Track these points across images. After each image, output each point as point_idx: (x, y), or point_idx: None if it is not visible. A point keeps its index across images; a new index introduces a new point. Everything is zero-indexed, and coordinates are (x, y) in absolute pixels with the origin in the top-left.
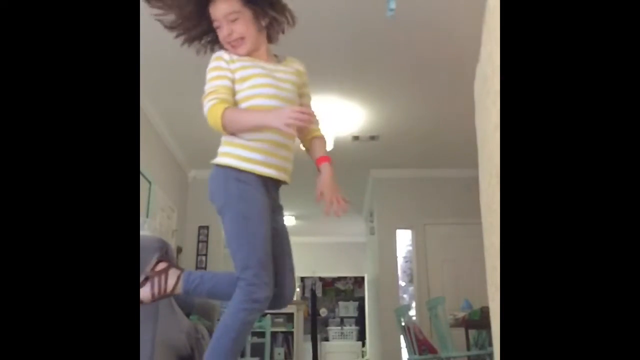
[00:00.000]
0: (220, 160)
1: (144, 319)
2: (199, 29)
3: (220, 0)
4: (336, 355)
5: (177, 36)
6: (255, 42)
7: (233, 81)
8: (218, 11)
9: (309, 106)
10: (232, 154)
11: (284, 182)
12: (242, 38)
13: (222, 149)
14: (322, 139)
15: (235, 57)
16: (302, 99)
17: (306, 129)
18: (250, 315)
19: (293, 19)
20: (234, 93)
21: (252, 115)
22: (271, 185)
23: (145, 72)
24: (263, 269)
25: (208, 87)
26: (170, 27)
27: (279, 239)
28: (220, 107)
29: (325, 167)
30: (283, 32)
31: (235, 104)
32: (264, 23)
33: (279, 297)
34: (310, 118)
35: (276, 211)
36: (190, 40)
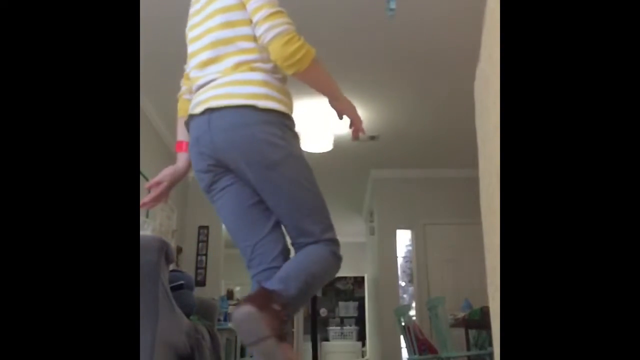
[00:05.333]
0: (271, 104)
1: (144, 319)
2: None
3: None
4: (336, 355)
5: None
6: None
7: None
8: None
9: None
10: (284, 101)
11: None
12: None
13: (267, 91)
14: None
15: None
16: None
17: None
18: (333, 269)
19: None
20: None
21: (333, 80)
22: None
23: (145, 72)
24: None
25: (275, 5)
26: None
27: None
28: (313, 50)
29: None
30: None
31: None
32: None
33: None
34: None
35: None
36: None
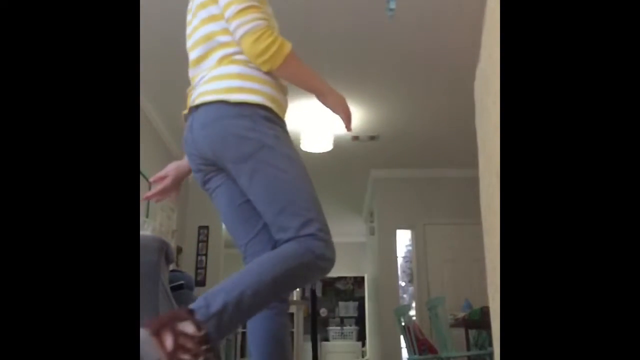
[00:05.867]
0: (242, 97)
1: (144, 318)
2: None
3: None
4: (336, 355)
5: None
6: None
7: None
8: None
9: None
10: (261, 91)
11: None
12: None
13: (241, 83)
14: None
15: None
16: None
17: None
18: (310, 270)
19: None
20: None
21: (315, 74)
22: None
23: (145, 72)
24: (327, 225)
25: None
26: None
27: None
28: (288, 45)
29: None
30: None
31: None
32: None
33: None
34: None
35: None
36: None
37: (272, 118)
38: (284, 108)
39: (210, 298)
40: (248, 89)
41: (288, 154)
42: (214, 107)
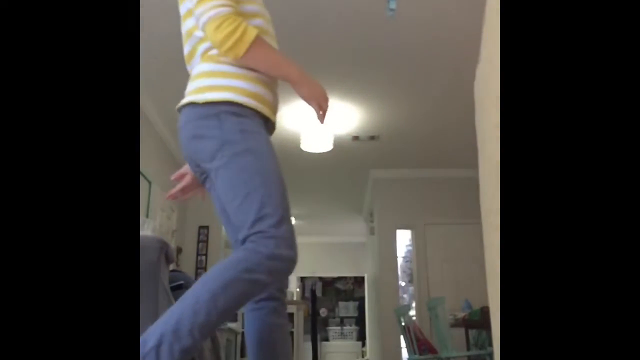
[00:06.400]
0: (209, 95)
1: (144, 319)
2: None
3: None
4: (336, 355)
5: None
6: None
7: None
8: None
9: None
10: (229, 87)
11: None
12: None
13: (210, 81)
14: None
15: None
16: None
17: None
18: (262, 276)
19: None
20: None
21: (285, 61)
22: (268, 130)
23: (146, 72)
24: (286, 221)
25: None
26: None
27: None
28: (252, 31)
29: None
30: None
31: None
32: None
33: None
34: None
35: None
36: None
37: (241, 112)
38: (263, 98)
39: (148, 334)
40: (216, 87)
41: (252, 147)
42: (186, 110)
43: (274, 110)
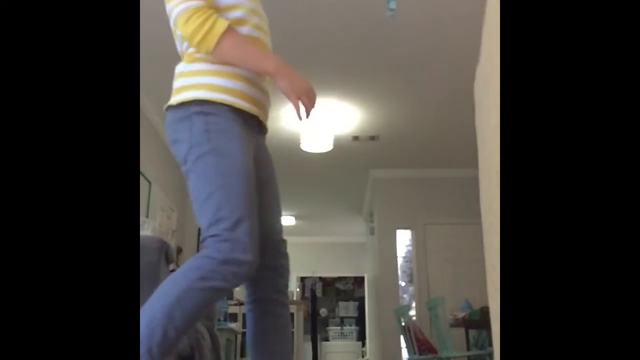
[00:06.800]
0: (181, 97)
1: None
2: None
3: None
4: (336, 355)
5: None
6: None
7: None
8: None
9: None
10: (197, 85)
11: (264, 127)
12: None
13: (183, 81)
14: None
15: None
16: None
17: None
18: (218, 282)
19: None
20: None
21: (260, 53)
22: (253, 127)
23: (145, 72)
24: (244, 222)
25: None
26: None
27: (269, 196)
28: (222, 23)
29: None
30: None
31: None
32: None
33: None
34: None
35: (262, 161)
36: None
37: (210, 110)
38: (240, 92)
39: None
40: (187, 87)
41: (216, 147)
42: (167, 113)
43: (260, 104)
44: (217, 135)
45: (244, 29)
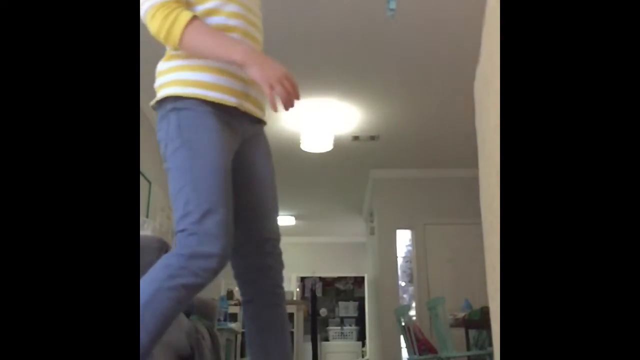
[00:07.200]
0: (158, 95)
1: None
2: None
3: None
4: (336, 355)
5: None
6: None
7: None
8: None
9: None
10: (170, 82)
11: (258, 118)
12: None
13: (160, 80)
14: None
15: None
16: None
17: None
18: (187, 279)
19: None
20: None
21: (228, 43)
22: (238, 118)
23: (146, 72)
24: (212, 215)
25: None
26: None
27: (259, 186)
28: (185, 15)
29: None
30: None
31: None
32: None
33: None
34: (295, 99)
35: (256, 153)
36: None
37: (183, 105)
38: (215, 85)
39: None
40: (163, 85)
41: (186, 142)
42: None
43: (240, 94)
44: (189, 129)
45: (217, 19)
